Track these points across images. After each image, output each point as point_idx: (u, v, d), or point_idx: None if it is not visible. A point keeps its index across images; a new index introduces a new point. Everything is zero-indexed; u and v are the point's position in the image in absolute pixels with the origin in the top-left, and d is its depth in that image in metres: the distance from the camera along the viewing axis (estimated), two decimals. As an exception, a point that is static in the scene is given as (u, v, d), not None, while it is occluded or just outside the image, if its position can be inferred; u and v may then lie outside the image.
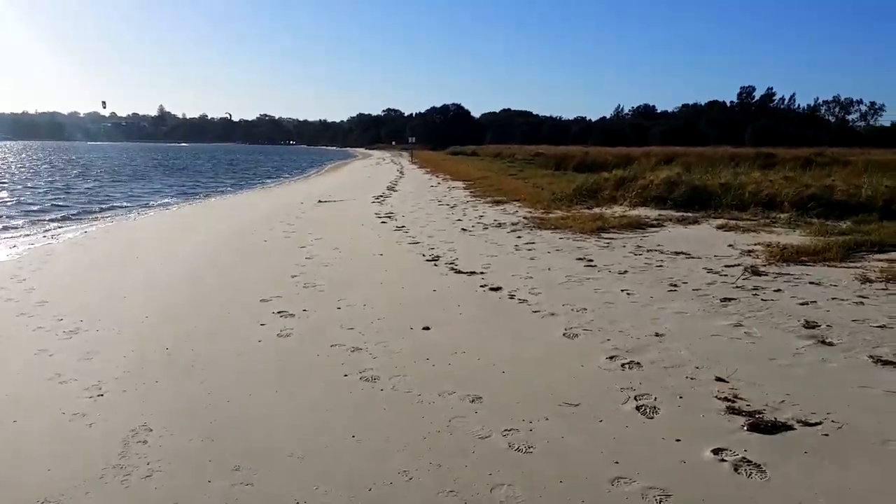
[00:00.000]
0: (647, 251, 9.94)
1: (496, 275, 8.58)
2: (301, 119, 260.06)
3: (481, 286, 7.98)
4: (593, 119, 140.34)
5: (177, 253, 10.99)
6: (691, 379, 4.84)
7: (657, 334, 5.87)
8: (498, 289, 7.80)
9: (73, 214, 19.31)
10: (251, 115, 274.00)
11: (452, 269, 9.07)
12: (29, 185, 31.58)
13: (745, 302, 6.88)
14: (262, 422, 4.35)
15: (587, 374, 5.05)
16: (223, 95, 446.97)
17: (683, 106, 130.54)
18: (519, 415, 4.34)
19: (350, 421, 4.34)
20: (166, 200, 24.63)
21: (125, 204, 22.87)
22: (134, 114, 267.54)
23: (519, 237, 11.72)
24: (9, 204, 22.22)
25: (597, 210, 14.63)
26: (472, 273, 8.72)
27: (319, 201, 20.44)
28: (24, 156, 75.49)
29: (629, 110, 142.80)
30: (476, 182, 26.98)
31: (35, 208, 20.93)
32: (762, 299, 6.96)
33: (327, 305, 7.26)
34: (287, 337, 6.16)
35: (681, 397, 4.53)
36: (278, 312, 6.94)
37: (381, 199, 20.95)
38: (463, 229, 13.02)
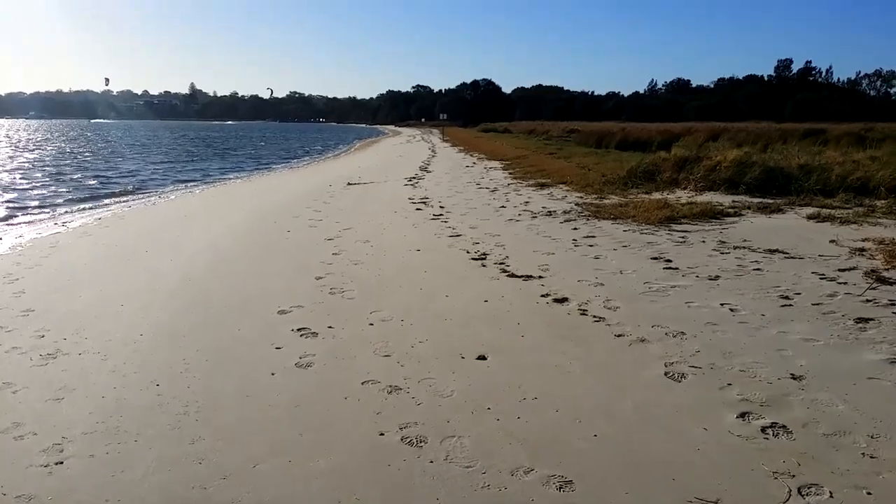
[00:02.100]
0: (735, 248, 8.34)
1: (558, 280, 7.16)
2: (331, 96, 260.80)
3: (542, 296, 6.57)
4: (625, 94, 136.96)
5: (190, 246, 9.76)
6: (870, 458, 3.41)
7: (794, 376, 4.40)
8: (564, 300, 6.37)
9: (87, 197, 18.44)
10: (281, 93, 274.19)
11: (503, 270, 7.66)
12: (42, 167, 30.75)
13: (887, 324, 5.34)
14: (266, 519, 3.07)
15: (715, 443, 3.63)
16: (254, 74, 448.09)
17: (719, 80, 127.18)
18: (633, 518, 2.99)
19: (390, 522, 3.04)
20: (187, 183, 23.59)
21: (145, 187, 21.86)
22: (166, 92, 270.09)
23: (575, 229, 10.20)
24: (28, 187, 21.31)
25: (657, 195, 13.01)
26: (529, 277, 7.30)
27: (349, 184, 19.13)
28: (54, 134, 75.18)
29: (662, 85, 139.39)
30: (514, 162, 25.41)
31: (59, 190, 20.22)
32: (908, 320, 5.45)
33: (357, 320, 5.96)
34: (307, 368, 4.88)
35: (869, 493, 3.12)
36: (298, 330, 5.68)
37: (414, 181, 19.53)
38: (509, 219, 11.56)
